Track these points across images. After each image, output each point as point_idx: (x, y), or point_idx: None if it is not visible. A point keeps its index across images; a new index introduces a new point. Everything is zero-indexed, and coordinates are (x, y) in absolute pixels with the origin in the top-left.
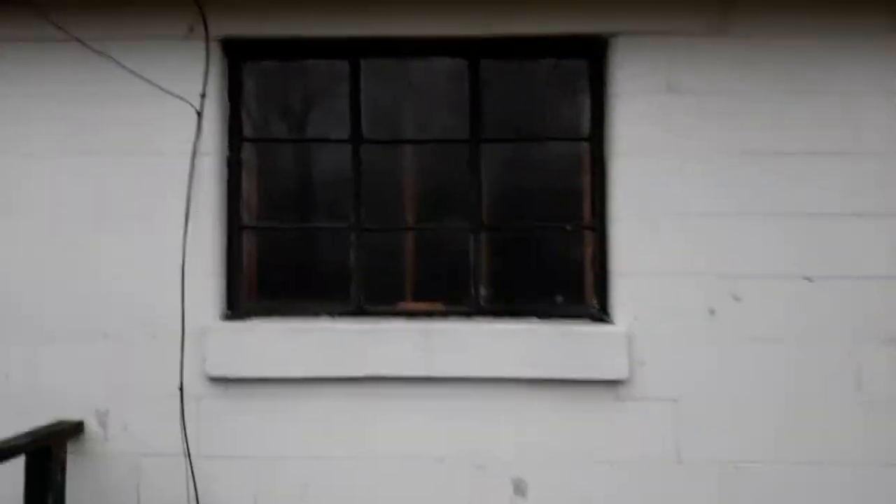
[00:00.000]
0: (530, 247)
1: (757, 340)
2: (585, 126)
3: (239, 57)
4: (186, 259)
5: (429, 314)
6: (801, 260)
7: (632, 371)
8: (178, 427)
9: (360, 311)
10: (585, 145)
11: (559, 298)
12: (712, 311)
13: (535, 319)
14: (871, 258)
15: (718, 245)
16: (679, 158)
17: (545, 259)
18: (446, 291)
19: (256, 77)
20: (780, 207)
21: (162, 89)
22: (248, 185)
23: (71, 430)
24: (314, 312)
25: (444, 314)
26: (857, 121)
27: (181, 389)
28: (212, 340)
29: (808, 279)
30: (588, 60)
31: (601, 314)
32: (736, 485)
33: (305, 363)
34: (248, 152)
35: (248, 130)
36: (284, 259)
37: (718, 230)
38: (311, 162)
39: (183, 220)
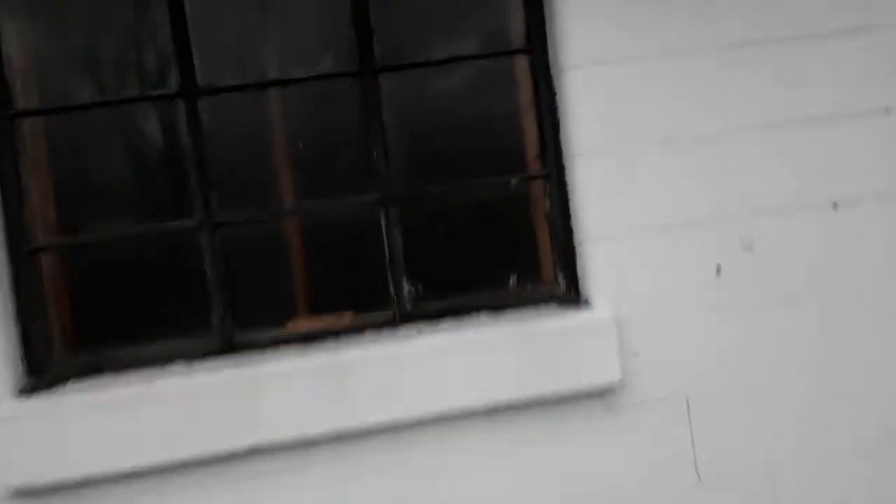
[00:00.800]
0: (463, 216)
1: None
2: (520, 34)
3: None
4: None
5: (334, 334)
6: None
7: (624, 369)
8: None
9: (229, 347)
10: (522, 59)
11: (512, 281)
12: (719, 270)
13: (482, 317)
14: None
15: (720, 177)
16: (655, 65)
17: (486, 229)
18: (356, 296)
19: (24, 12)
20: (790, 113)
21: None
22: (36, 184)
23: None
24: (161, 359)
25: (356, 330)
26: None
27: None
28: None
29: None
30: None
31: (571, 296)
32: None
33: (156, 445)
34: (28, 132)
35: (23, 98)
36: (109, 287)
37: (718, 156)
38: (130, 135)
39: None
